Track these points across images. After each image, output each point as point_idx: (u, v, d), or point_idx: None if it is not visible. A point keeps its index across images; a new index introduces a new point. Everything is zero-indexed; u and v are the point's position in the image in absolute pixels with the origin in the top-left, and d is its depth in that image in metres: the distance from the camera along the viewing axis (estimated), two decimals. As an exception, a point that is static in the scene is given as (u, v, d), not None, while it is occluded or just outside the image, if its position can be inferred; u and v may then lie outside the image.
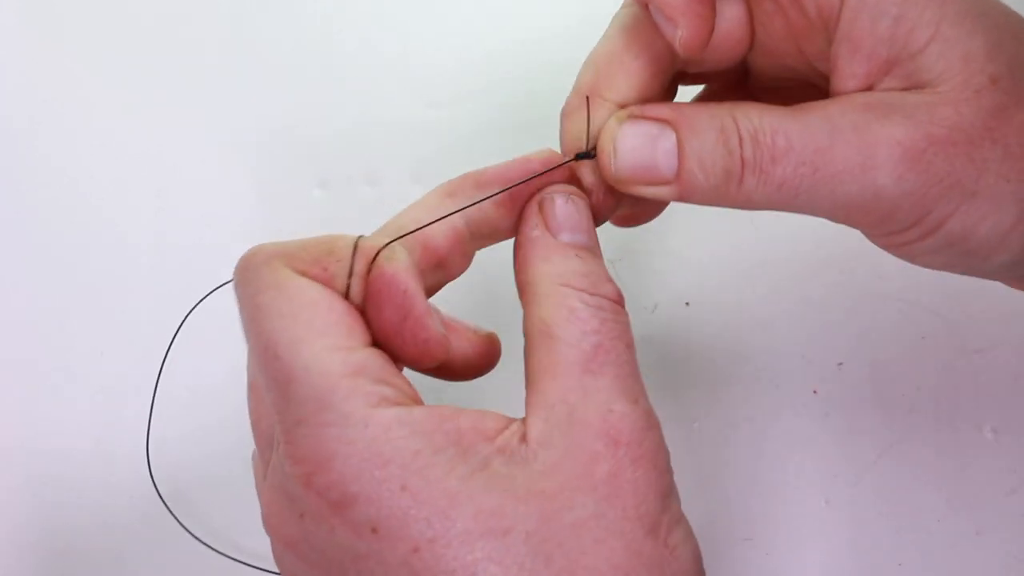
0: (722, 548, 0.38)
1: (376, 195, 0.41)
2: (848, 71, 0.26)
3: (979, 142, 0.24)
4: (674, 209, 0.41)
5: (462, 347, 0.27)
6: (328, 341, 0.23)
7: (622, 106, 0.28)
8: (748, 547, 0.37)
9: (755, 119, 0.25)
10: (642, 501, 0.23)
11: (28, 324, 0.40)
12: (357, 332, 0.24)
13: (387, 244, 0.25)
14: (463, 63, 0.43)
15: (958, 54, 0.24)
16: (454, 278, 0.28)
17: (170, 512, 0.38)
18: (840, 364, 0.39)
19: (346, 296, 0.25)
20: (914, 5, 0.25)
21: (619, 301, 0.26)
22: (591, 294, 0.25)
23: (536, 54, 0.43)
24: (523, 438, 0.23)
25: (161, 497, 0.38)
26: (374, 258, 0.25)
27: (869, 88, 0.26)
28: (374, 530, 0.21)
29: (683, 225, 0.41)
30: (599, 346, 0.24)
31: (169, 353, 0.39)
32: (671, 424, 0.39)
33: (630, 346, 0.25)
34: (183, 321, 0.39)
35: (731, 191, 0.26)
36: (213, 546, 0.37)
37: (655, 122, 0.26)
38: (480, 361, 0.27)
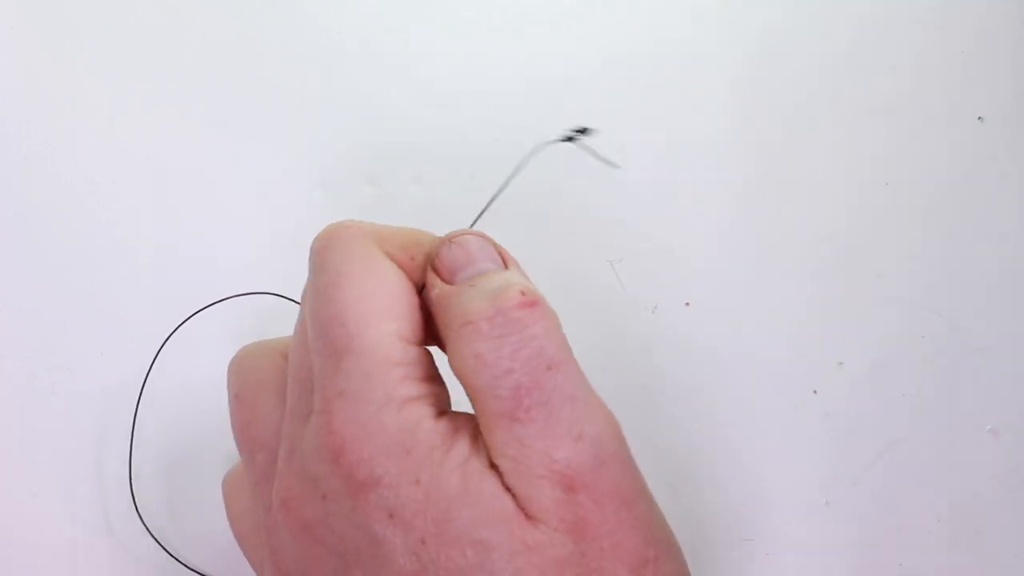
0: (722, 548, 0.38)
1: (376, 195, 0.41)
2: None
3: None
4: (674, 208, 0.41)
5: None
6: (396, 327, 0.24)
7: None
8: (748, 547, 0.37)
9: None
10: (619, 542, 0.22)
11: (28, 324, 0.40)
12: (420, 330, 0.25)
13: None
14: (464, 63, 0.43)
15: None
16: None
17: (147, 529, 0.38)
18: (840, 364, 0.39)
19: (420, 292, 0.25)
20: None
21: (528, 304, 0.23)
22: (490, 318, 0.23)
23: (537, 54, 0.43)
24: None
25: (139, 514, 0.38)
26: None
27: None
28: (391, 515, 0.22)
29: (683, 225, 0.41)
30: (518, 388, 0.22)
31: (164, 357, 0.39)
32: (671, 424, 0.39)
33: (554, 366, 0.23)
34: (168, 337, 0.39)
35: None
36: (192, 566, 0.37)
37: None
38: None
